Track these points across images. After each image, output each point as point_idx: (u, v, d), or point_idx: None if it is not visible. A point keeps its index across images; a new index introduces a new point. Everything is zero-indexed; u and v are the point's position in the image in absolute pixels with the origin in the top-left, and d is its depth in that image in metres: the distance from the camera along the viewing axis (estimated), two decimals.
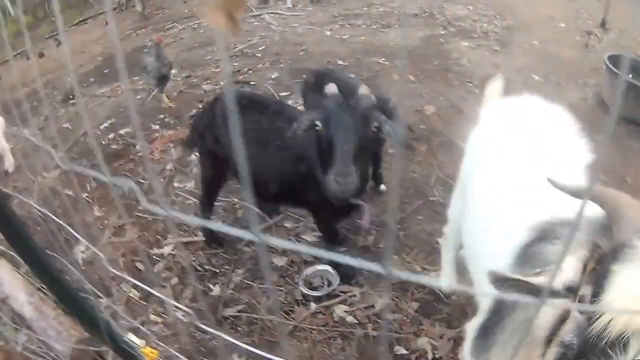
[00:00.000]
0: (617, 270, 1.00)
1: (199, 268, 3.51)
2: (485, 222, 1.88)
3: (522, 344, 1.21)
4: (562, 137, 1.92)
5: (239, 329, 3.16)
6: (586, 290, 1.06)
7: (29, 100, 6.23)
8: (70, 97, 5.90)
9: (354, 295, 3.20)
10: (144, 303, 3.32)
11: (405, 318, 3.00)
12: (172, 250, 3.66)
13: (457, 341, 2.82)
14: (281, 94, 5.59)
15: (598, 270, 1.05)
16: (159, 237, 3.79)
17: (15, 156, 4.94)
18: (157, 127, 5.17)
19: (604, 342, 0.95)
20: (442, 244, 3.08)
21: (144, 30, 8.22)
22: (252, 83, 5.96)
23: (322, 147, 2.52)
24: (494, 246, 1.70)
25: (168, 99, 5.49)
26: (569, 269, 1.12)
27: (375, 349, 2.96)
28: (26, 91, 5.89)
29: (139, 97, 5.85)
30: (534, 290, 1.08)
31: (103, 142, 5.02)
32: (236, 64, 6.52)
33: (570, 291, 1.10)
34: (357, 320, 3.04)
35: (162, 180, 4.38)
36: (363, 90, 2.60)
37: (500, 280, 1.11)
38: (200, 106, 5.36)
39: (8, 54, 5.98)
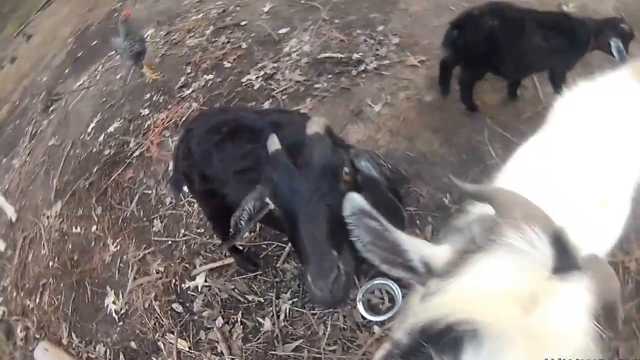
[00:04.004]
0: (476, 258, 1.00)
1: (241, 299, 3.09)
2: None
3: None
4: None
5: None
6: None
7: (11, 118, 5.80)
8: (49, 103, 5.38)
9: None
10: (196, 352, 3.03)
11: None
12: (206, 282, 3.22)
13: None
14: (280, 32, 4.78)
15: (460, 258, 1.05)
16: (186, 265, 3.34)
17: (13, 196, 4.59)
18: (147, 110, 4.57)
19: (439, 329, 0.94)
20: None
21: None
22: (242, 23, 5.12)
23: (287, 230, 1.75)
24: None
25: (151, 70, 4.80)
26: (439, 252, 1.13)
27: None
28: (7, 109, 5.47)
29: (118, 76, 5.20)
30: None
31: (94, 150, 4.47)
32: (220, 2, 5.65)
33: (427, 270, 1.13)
34: None
35: (167, 185, 3.83)
36: (315, 125, 1.75)
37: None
38: (189, 70, 4.74)
39: None
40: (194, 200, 3.57)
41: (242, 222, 1.77)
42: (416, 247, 1.15)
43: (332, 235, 1.56)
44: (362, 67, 4.02)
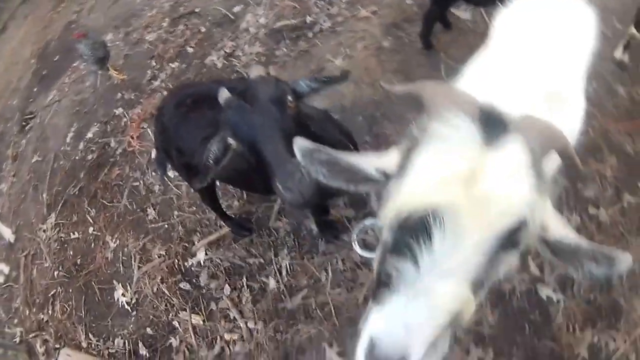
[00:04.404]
0: (416, 153, 1.11)
1: (242, 264, 3.22)
2: None
3: None
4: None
5: (313, 315, 2.97)
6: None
7: None
8: (24, 123, 5.39)
9: None
10: (211, 323, 3.15)
11: None
12: (207, 255, 3.35)
13: None
14: (234, 10, 4.81)
15: (406, 157, 1.15)
16: (185, 244, 3.46)
17: (7, 218, 4.63)
18: (121, 109, 4.62)
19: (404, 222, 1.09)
20: None
21: (62, 5, 7.21)
22: (197, 10, 5.15)
23: (254, 164, 1.99)
24: None
25: (116, 72, 4.84)
26: (388, 158, 1.26)
27: None
28: None
29: (87, 84, 5.21)
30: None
31: (77, 157, 4.53)
32: None
33: (384, 176, 1.26)
34: None
35: (153, 174, 3.96)
36: (256, 70, 2.06)
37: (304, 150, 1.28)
38: (154, 63, 4.80)
39: None
40: (182, 182, 3.69)
41: (210, 162, 1.99)
42: (369, 161, 1.27)
43: (290, 149, 1.73)
44: (317, 29, 4.13)
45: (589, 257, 1.13)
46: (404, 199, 1.10)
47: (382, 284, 1.14)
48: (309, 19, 4.22)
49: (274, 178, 1.84)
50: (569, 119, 1.95)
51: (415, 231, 1.06)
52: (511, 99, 1.58)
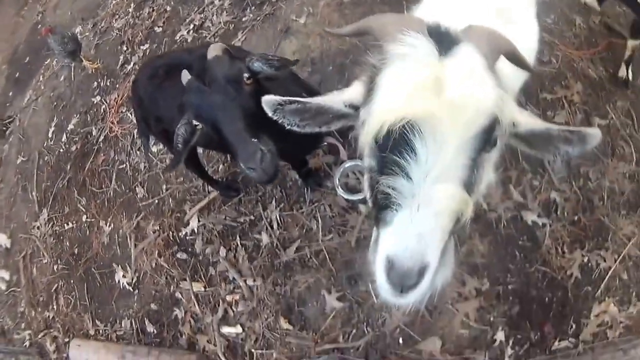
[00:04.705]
0: (380, 76, 1.18)
1: (234, 224, 3.28)
2: None
3: None
4: None
5: (309, 263, 3.04)
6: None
7: None
8: (4, 128, 5.33)
9: None
10: (212, 288, 3.22)
11: None
12: (199, 222, 3.40)
13: None
14: None
15: (370, 84, 1.22)
16: (178, 215, 3.51)
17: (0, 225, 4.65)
18: (98, 97, 4.65)
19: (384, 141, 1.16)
20: None
21: (25, 8, 7.09)
22: None
23: (218, 141, 2.08)
24: None
25: (89, 62, 4.83)
26: (352, 90, 1.33)
27: None
28: None
29: (62, 78, 5.21)
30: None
31: (62, 151, 4.56)
32: None
33: (353, 108, 1.33)
34: None
35: (138, 152, 4.00)
36: (213, 51, 2.09)
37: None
38: (125, 48, 4.82)
39: None
40: (166, 155, 3.74)
41: (179, 146, 2.07)
42: (335, 99, 1.34)
43: (249, 128, 1.92)
44: None
45: (561, 140, 1.21)
46: (378, 119, 1.14)
47: (382, 208, 1.19)
48: None
49: (237, 158, 1.95)
50: (523, 37, 1.97)
51: (398, 147, 1.13)
52: (465, 17, 1.68)
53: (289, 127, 1.35)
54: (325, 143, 2.88)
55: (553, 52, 3.62)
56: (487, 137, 1.16)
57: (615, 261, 2.96)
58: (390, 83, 1.16)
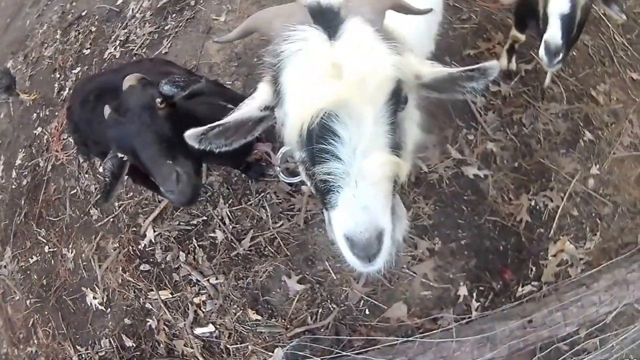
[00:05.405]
0: (283, 76, 1.22)
1: (189, 227, 3.33)
2: None
3: None
4: None
5: (266, 252, 3.11)
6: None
7: None
8: None
9: None
10: (178, 293, 3.27)
11: None
12: (155, 231, 3.43)
13: None
14: (117, 3, 4.76)
15: (276, 84, 1.26)
16: (134, 229, 3.54)
17: None
18: (40, 129, 4.63)
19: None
20: None
21: None
22: (83, 14, 5.06)
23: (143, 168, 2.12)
24: None
25: (26, 94, 4.79)
26: (261, 93, 1.35)
27: None
28: None
29: (2, 115, 5.15)
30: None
31: (13, 187, 4.53)
32: (56, 7, 5.51)
33: (268, 109, 1.36)
34: None
35: (86, 175, 4.01)
36: (127, 82, 2.14)
37: None
38: (58, 75, 4.79)
39: None
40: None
41: (107, 180, 2.14)
42: (248, 107, 1.36)
43: (164, 151, 1.98)
44: None
45: (465, 79, 1.27)
46: (294, 118, 1.21)
47: (325, 193, 1.25)
48: None
49: (156, 182, 2.02)
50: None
51: (321, 136, 1.18)
52: None
53: (218, 150, 1.37)
54: (256, 150, 2.93)
55: (472, 9, 3.71)
56: (397, 98, 1.23)
57: (562, 199, 3.06)
58: (294, 81, 1.21)
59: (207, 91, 2.29)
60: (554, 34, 2.39)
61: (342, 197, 1.19)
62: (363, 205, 1.16)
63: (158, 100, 2.05)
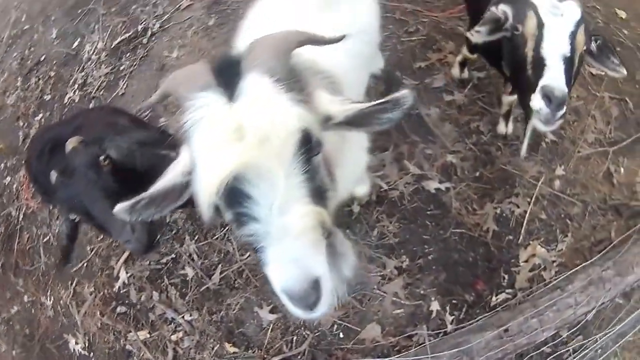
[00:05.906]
0: (192, 143, 1.24)
1: (159, 266, 3.35)
2: None
3: None
4: None
5: (236, 284, 3.13)
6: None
7: None
8: None
9: None
10: (156, 333, 3.27)
11: None
12: (127, 273, 3.46)
13: None
14: (73, 46, 4.80)
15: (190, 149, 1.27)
16: (107, 272, 3.57)
17: None
18: (9, 178, 4.60)
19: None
20: None
21: None
22: (42, 59, 5.05)
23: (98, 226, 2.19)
24: None
25: None
26: (183, 158, 1.34)
27: None
28: None
29: None
30: None
31: None
32: (15, 53, 5.49)
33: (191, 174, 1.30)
34: None
35: (57, 221, 4.02)
36: (69, 145, 2.20)
37: None
38: (22, 123, 4.79)
39: None
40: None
41: (63, 243, 2.22)
42: (172, 173, 1.35)
43: (115, 204, 1.95)
44: (149, 33, 4.27)
45: (379, 112, 1.28)
46: (205, 186, 1.19)
47: (256, 252, 1.24)
48: (140, 27, 4.32)
49: (112, 236, 2.12)
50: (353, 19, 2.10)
51: (235, 200, 1.18)
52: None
53: (152, 218, 1.38)
54: None
55: (419, 20, 3.73)
56: (307, 146, 1.21)
57: (529, 204, 3.05)
58: (201, 148, 1.20)
59: (149, 142, 2.35)
60: (556, 77, 1.92)
61: (269, 254, 1.18)
62: (292, 259, 1.15)
63: (101, 157, 2.11)
